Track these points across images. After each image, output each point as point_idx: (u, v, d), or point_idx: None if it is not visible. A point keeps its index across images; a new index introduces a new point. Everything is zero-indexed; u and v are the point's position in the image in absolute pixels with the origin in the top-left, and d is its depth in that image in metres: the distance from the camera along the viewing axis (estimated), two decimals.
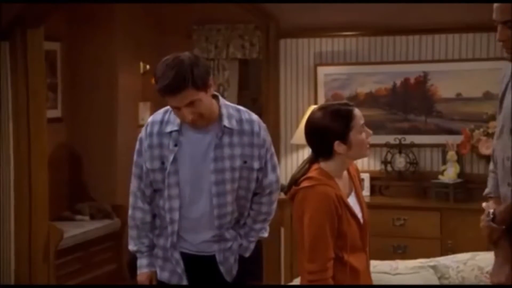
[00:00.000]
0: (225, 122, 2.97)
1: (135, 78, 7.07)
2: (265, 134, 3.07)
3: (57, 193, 6.39)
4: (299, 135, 5.15)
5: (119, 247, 6.70)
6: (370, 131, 2.80)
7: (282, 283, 5.18)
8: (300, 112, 5.33)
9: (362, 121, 2.77)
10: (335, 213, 2.69)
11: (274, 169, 3.12)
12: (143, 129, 3.09)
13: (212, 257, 3.07)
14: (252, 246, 3.16)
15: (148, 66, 7.10)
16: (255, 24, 6.57)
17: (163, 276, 3.12)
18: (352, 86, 5.28)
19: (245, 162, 2.99)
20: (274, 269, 5.36)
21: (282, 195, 5.16)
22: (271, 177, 3.11)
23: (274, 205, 3.19)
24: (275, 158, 3.16)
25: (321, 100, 5.32)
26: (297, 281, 4.29)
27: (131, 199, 3.13)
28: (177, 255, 3.07)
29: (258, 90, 6.85)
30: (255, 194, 3.12)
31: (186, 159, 2.97)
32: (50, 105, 6.42)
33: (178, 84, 2.80)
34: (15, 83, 5.60)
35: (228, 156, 2.96)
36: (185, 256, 3.07)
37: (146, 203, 3.09)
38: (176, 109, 2.89)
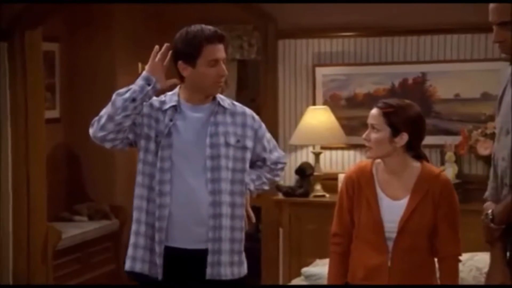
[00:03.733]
0: (220, 101, 3.10)
1: (134, 79, 6.91)
2: (258, 120, 3.19)
3: (55, 194, 6.38)
4: (298, 135, 5.14)
5: (117, 247, 6.69)
6: (363, 135, 2.96)
7: (281, 283, 5.18)
8: (299, 112, 5.33)
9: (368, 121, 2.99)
10: (346, 194, 2.97)
11: (276, 148, 3.27)
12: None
13: (203, 252, 2.99)
14: (258, 184, 3.19)
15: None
16: (253, 24, 6.56)
17: (144, 268, 3.02)
18: (350, 86, 5.28)
19: (238, 141, 3.07)
20: (273, 269, 5.36)
21: (281, 196, 5.21)
22: (277, 153, 3.25)
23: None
24: (274, 141, 3.30)
25: (320, 101, 5.32)
26: (295, 281, 4.30)
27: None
28: (159, 248, 2.98)
29: (256, 91, 6.85)
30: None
31: (181, 134, 3.03)
32: (48, 106, 6.39)
33: (222, 33, 3.03)
34: (13, 83, 5.59)
35: (222, 132, 3.05)
36: (172, 252, 2.99)
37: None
38: (215, 65, 3.00)
